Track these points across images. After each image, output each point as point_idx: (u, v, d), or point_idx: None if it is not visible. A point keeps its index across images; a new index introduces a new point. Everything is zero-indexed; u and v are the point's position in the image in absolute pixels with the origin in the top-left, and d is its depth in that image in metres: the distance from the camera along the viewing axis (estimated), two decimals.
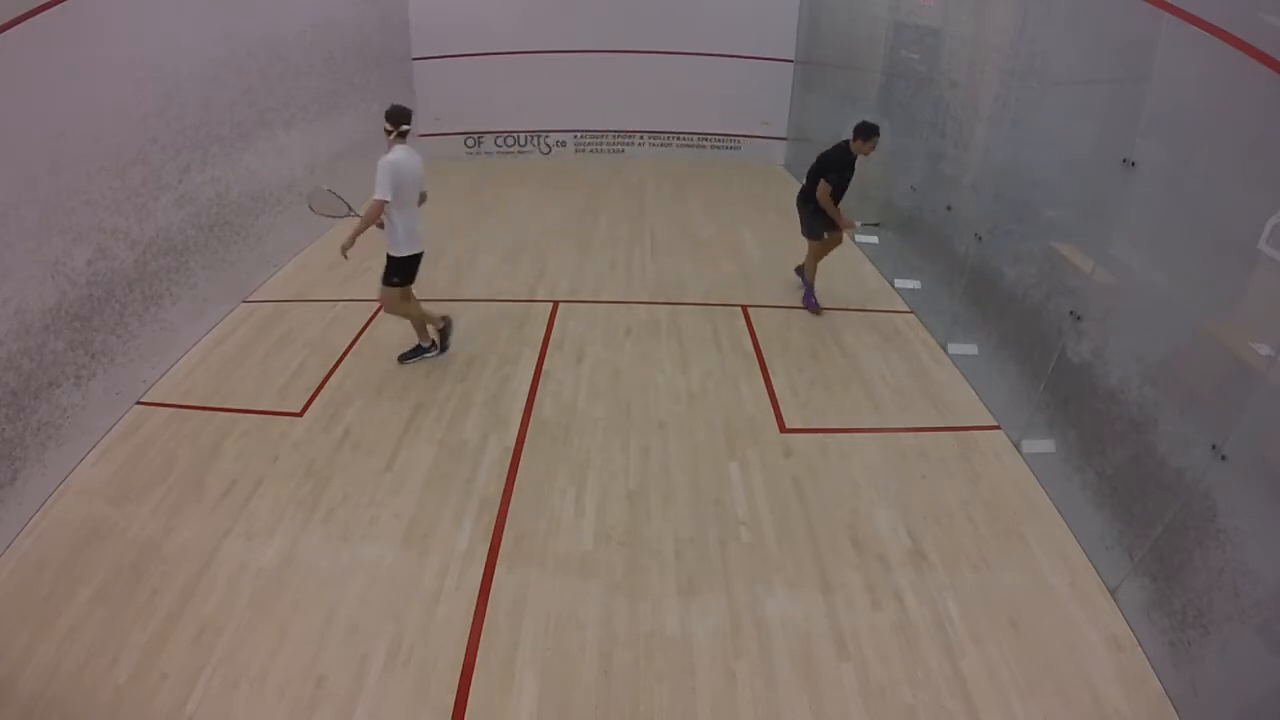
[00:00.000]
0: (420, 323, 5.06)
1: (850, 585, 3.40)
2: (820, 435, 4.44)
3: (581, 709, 2.85)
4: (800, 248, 6.12)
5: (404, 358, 5.10)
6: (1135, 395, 3.39)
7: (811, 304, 5.98)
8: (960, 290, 5.24)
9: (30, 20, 3.80)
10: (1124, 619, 3.24)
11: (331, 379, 4.96)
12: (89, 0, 4.17)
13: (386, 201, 4.38)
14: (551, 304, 6.05)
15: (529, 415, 4.59)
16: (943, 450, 4.33)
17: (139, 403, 4.64)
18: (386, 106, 4.51)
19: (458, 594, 3.33)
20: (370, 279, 6.49)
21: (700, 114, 10.15)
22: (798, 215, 5.94)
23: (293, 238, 6.90)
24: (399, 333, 5.56)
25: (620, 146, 10.39)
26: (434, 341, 5.14)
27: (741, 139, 10.28)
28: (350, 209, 4.82)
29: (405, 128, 4.46)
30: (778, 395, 4.83)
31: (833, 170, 5.51)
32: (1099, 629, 3.20)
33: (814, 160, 5.71)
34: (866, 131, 5.40)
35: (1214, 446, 2.86)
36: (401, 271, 4.76)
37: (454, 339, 5.20)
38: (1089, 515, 3.62)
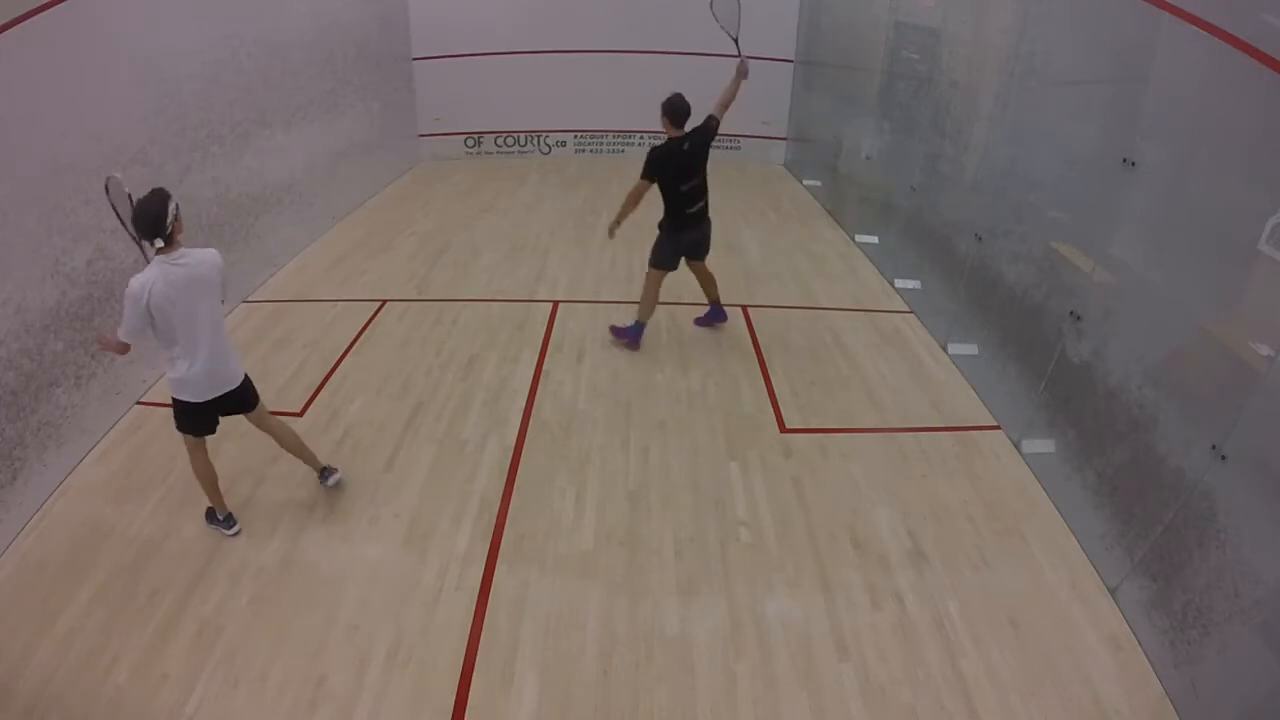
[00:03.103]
0: (212, 486, 3.61)
1: (850, 585, 3.40)
2: (820, 435, 4.44)
3: (581, 709, 2.85)
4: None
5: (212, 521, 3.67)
6: (1135, 395, 3.39)
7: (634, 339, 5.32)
8: (960, 290, 5.24)
9: (30, 20, 3.80)
10: (1124, 619, 3.23)
11: (331, 379, 4.96)
12: (89, 0, 4.18)
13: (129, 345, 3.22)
14: (551, 304, 6.04)
15: (529, 415, 4.59)
16: (943, 450, 4.32)
17: (139, 403, 4.64)
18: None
19: (458, 594, 3.33)
20: (370, 279, 6.54)
21: (700, 114, 10.10)
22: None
23: (293, 238, 6.90)
24: (398, 333, 5.57)
25: (620, 146, 10.38)
26: (230, 514, 3.67)
27: (741, 139, 10.25)
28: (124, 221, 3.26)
29: (156, 242, 3.01)
30: (778, 395, 4.82)
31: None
32: (1099, 629, 3.20)
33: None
34: None
35: (1214, 446, 2.86)
36: (183, 416, 3.46)
37: (454, 339, 5.16)
38: (1089, 515, 3.62)
